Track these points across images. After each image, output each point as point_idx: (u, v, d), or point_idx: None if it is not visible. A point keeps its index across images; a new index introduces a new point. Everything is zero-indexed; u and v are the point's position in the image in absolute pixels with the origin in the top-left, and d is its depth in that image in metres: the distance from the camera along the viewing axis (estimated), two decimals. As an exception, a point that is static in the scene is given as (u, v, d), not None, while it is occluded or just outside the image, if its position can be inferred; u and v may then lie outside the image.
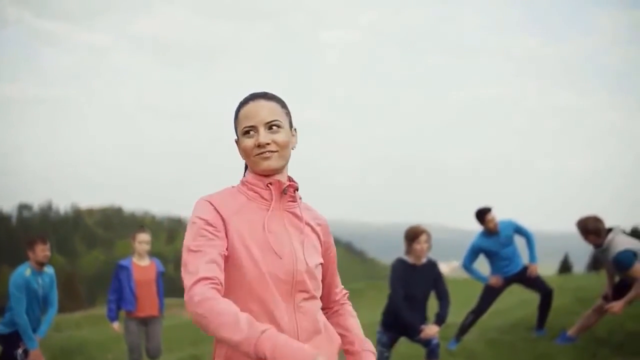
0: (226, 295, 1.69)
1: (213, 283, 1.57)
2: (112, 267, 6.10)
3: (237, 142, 1.82)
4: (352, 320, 1.98)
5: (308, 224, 1.83)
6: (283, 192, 1.79)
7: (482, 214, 6.32)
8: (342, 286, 2.04)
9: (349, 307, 2.01)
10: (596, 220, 5.33)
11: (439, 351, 4.77)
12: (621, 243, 5.21)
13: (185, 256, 1.63)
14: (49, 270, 5.23)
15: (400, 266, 4.81)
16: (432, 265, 4.88)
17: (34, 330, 5.08)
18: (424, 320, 4.84)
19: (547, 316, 6.41)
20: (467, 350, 6.21)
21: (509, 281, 6.43)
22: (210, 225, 1.67)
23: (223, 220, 1.70)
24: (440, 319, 4.78)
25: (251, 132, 1.75)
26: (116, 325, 5.98)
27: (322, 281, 1.88)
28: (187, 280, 1.58)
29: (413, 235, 4.75)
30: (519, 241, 6.45)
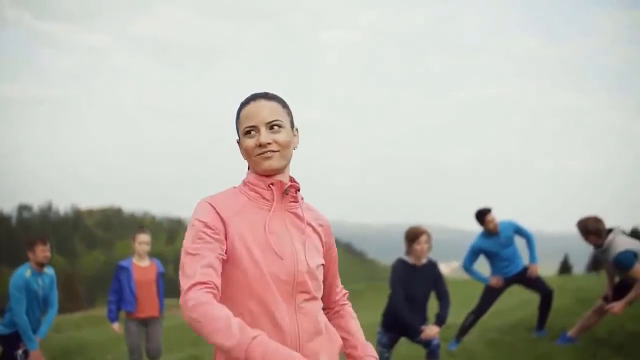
0: (227, 296, 1.69)
1: (208, 287, 1.57)
2: (112, 267, 6.10)
3: (238, 142, 1.82)
4: (354, 323, 1.98)
5: (310, 225, 1.83)
6: (285, 193, 1.78)
7: (482, 215, 6.32)
8: (342, 286, 2.04)
9: (349, 309, 2.02)
10: (597, 221, 5.33)
11: (439, 352, 4.77)
12: (621, 244, 5.21)
13: (183, 259, 1.64)
14: (49, 271, 5.23)
15: (400, 267, 4.81)
16: (432, 266, 4.88)
17: (34, 331, 5.08)
18: (424, 320, 4.83)
19: (548, 317, 6.40)
20: (467, 350, 6.21)
21: (509, 282, 6.43)
22: (209, 227, 1.67)
23: (223, 221, 1.70)
24: (440, 320, 4.78)
25: (252, 132, 1.75)
26: (116, 326, 5.97)
27: (323, 282, 1.88)
28: (183, 283, 1.59)
29: (413, 235, 4.75)
30: (519, 242, 6.45)
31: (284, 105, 1.82)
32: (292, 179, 1.83)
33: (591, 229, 5.31)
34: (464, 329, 6.49)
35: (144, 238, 5.97)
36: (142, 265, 5.95)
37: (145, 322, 5.96)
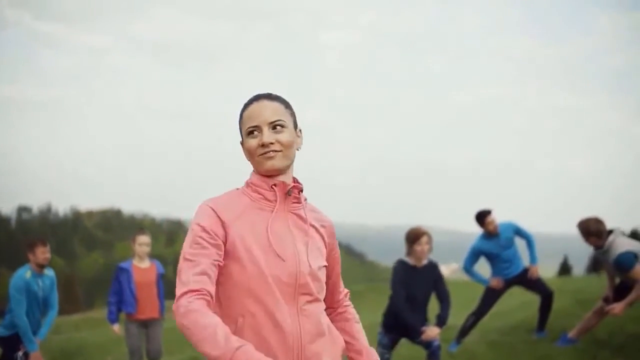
0: (229, 298, 1.70)
1: (201, 294, 1.59)
2: (112, 269, 6.10)
3: (242, 143, 1.82)
4: (359, 327, 1.99)
5: (312, 226, 1.83)
6: (287, 194, 1.78)
7: (481, 217, 6.32)
8: (343, 286, 2.04)
9: (352, 310, 2.03)
10: (597, 222, 5.33)
11: (440, 353, 4.77)
12: (622, 245, 5.21)
13: (181, 264, 1.66)
14: (49, 272, 5.23)
15: (401, 268, 4.81)
16: (433, 267, 4.89)
17: (34, 333, 5.07)
18: (424, 322, 4.83)
19: (548, 318, 6.40)
20: (467, 352, 6.21)
21: (509, 283, 6.43)
22: (207, 232, 1.67)
23: (223, 224, 1.70)
24: (441, 321, 4.77)
25: (255, 132, 1.75)
26: (116, 327, 5.97)
27: (327, 282, 1.88)
28: (177, 289, 1.62)
29: (414, 236, 4.75)
30: (519, 243, 6.45)
31: (287, 105, 1.82)
32: (295, 180, 1.83)
33: (592, 230, 5.31)
34: (465, 331, 6.49)
35: (144, 239, 5.97)
36: (143, 266, 5.95)
37: (146, 324, 5.95)
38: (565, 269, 42.07)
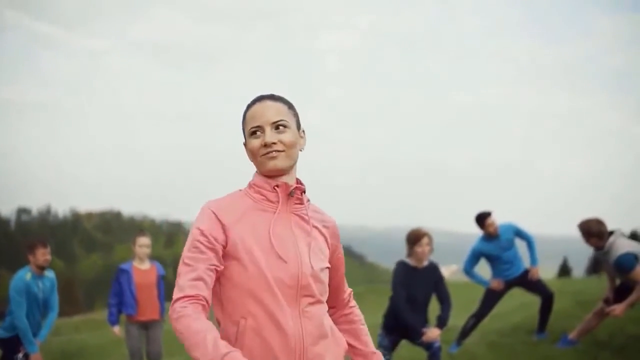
0: (231, 300, 1.70)
1: (195, 300, 1.60)
2: (111, 271, 6.10)
3: (245, 144, 1.82)
4: (365, 330, 2.01)
5: (315, 227, 1.82)
6: (290, 195, 1.78)
7: (482, 219, 6.31)
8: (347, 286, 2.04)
9: (358, 311, 2.03)
10: (599, 223, 5.33)
11: (440, 354, 4.77)
12: (622, 246, 5.21)
13: (179, 267, 1.68)
14: (49, 274, 5.22)
15: (402, 269, 4.81)
16: (433, 268, 4.89)
17: (34, 335, 5.07)
18: (425, 323, 4.83)
19: (548, 319, 6.40)
20: (468, 353, 6.21)
21: (510, 284, 6.43)
22: (205, 236, 1.68)
23: (224, 227, 1.70)
24: (442, 322, 4.77)
25: (258, 133, 1.75)
26: (117, 329, 5.97)
27: (331, 283, 1.88)
28: (174, 293, 1.64)
29: (415, 238, 4.76)
30: (519, 244, 6.44)
31: (290, 106, 1.82)
32: (298, 181, 1.83)
33: (594, 231, 5.31)
34: (465, 332, 6.49)
35: (144, 241, 5.96)
36: (143, 268, 5.95)
37: (146, 325, 5.95)
38: (564, 270, 42.02)
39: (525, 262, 6.46)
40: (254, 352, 1.67)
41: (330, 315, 1.96)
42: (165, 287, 6.21)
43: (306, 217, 1.81)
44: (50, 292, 5.20)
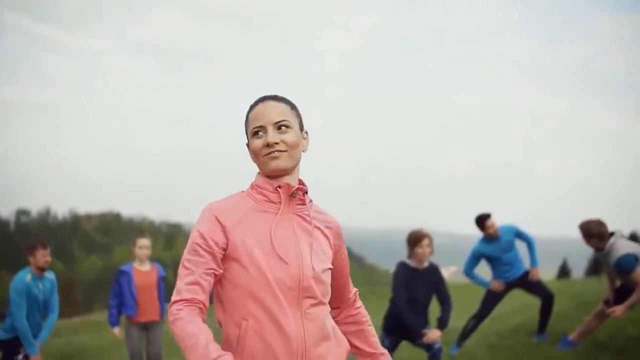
0: (233, 301, 1.70)
1: (191, 303, 1.63)
2: (111, 272, 6.10)
3: (247, 145, 1.82)
4: (372, 331, 2.00)
5: (317, 227, 1.82)
6: (292, 195, 1.78)
7: (481, 220, 6.31)
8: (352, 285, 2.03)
9: (364, 312, 2.02)
10: (600, 224, 5.33)
11: (441, 355, 4.77)
12: (623, 247, 5.21)
13: (179, 270, 1.70)
14: (49, 275, 5.22)
15: (402, 270, 4.81)
16: (434, 269, 4.89)
17: (35, 336, 5.07)
18: (425, 324, 4.84)
19: (548, 321, 6.40)
20: (468, 354, 6.21)
21: (510, 286, 6.43)
22: (204, 239, 1.69)
23: (224, 229, 1.70)
24: (442, 323, 4.78)
25: (260, 133, 1.75)
26: (117, 330, 5.97)
27: (334, 283, 1.87)
28: (172, 296, 1.66)
29: (415, 239, 4.76)
30: (519, 246, 6.44)
31: (293, 107, 1.83)
32: (301, 182, 1.83)
33: (594, 232, 5.31)
34: (466, 333, 6.49)
35: (144, 242, 5.97)
36: (143, 269, 5.95)
37: (146, 327, 5.95)
38: (564, 272, 42.04)
39: (525, 264, 6.47)
40: (256, 354, 1.67)
41: (336, 316, 1.96)
42: (166, 288, 6.21)
43: (308, 218, 1.80)
44: (50, 293, 5.20)
